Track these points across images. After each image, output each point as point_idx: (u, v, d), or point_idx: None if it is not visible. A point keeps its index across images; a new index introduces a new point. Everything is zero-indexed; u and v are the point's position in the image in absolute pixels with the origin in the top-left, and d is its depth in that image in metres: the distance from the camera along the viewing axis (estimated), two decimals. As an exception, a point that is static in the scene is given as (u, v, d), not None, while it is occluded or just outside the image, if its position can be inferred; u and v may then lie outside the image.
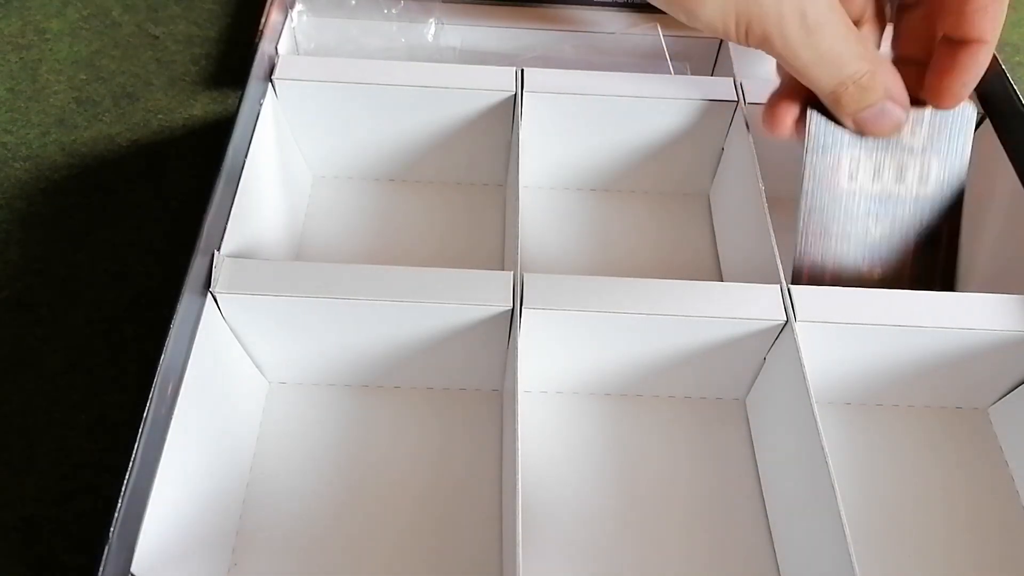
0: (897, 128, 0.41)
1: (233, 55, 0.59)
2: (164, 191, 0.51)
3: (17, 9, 0.61)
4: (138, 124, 0.55)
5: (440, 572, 0.39)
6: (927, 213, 0.44)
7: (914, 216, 0.44)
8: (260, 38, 0.46)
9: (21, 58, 0.58)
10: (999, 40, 0.57)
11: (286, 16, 0.51)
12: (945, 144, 0.43)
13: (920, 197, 0.44)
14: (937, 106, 0.41)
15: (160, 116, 0.56)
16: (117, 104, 0.56)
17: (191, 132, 0.55)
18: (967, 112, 0.43)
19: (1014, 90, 0.46)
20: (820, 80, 0.39)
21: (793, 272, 0.43)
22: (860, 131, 0.41)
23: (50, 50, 0.59)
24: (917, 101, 0.42)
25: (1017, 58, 0.62)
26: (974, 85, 0.40)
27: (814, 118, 0.42)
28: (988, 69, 0.48)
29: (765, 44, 0.37)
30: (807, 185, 0.43)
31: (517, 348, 0.38)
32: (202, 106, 0.56)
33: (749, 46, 0.37)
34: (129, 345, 0.45)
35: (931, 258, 0.45)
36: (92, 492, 0.40)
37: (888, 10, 0.42)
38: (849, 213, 0.44)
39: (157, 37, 0.60)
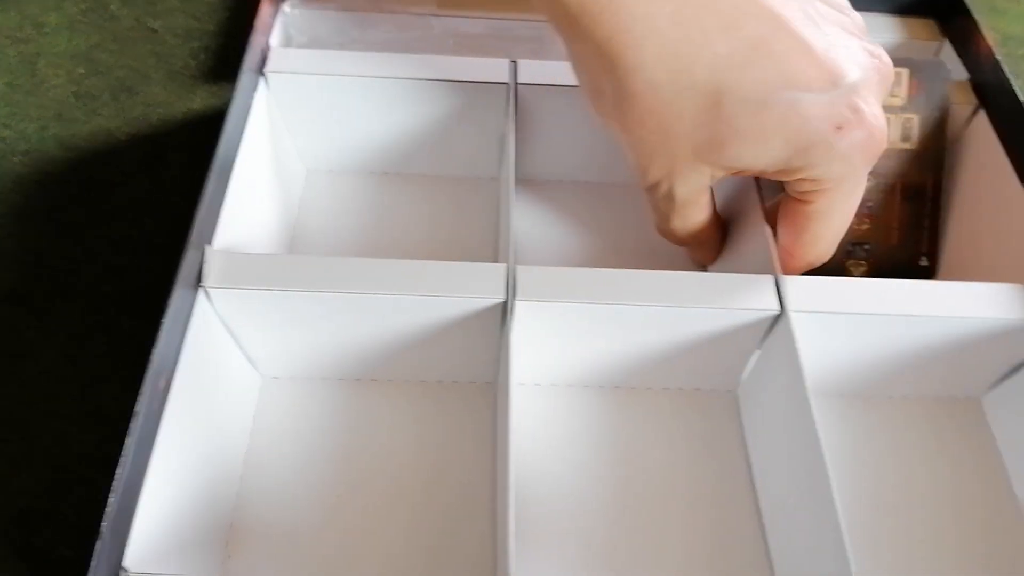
0: None
1: (232, 49, 0.59)
2: (163, 185, 0.51)
3: (15, 3, 0.61)
4: (137, 118, 0.55)
5: (434, 565, 0.39)
6: (911, 167, 0.46)
7: (899, 170, 0.46)
8: (252, 31, 0.46)
9: (19, 52, 0.58)
10: (1003, 33, 0.59)
11: (278, 9, 0.51)
12: (924, 100, 0.46)
13: (903, 152, 0.46)
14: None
15: (159, 110, 0.55)
16: (116, 98, 0.56)
17: (190, 126, 0.55)
18: (941, 69, 0.46)
19: (1008, 80, 0.46)
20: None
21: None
22: None
23: (48, 44, 0.59)
24: (896, 62, 0.44)
25: (1021, 51, 0.62)
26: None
27: None
28: (983, 60, 0.48)
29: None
30: None
31: (510, 340, 0.38)
32: (201, 100, 0.56)
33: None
34: (126, 339, 0.45)
35: (919, 210, 0.47)
36: (89, 484, 0.40)
37: None
38: None
39: (155, 31, 0.60)
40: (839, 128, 0.36)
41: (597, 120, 0.40)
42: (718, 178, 0.40)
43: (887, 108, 0.45)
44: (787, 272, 0.41)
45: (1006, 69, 0.46)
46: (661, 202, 0.41)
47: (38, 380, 0.43)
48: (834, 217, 0.40)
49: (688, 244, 0.44)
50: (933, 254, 0.47)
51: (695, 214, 0.42)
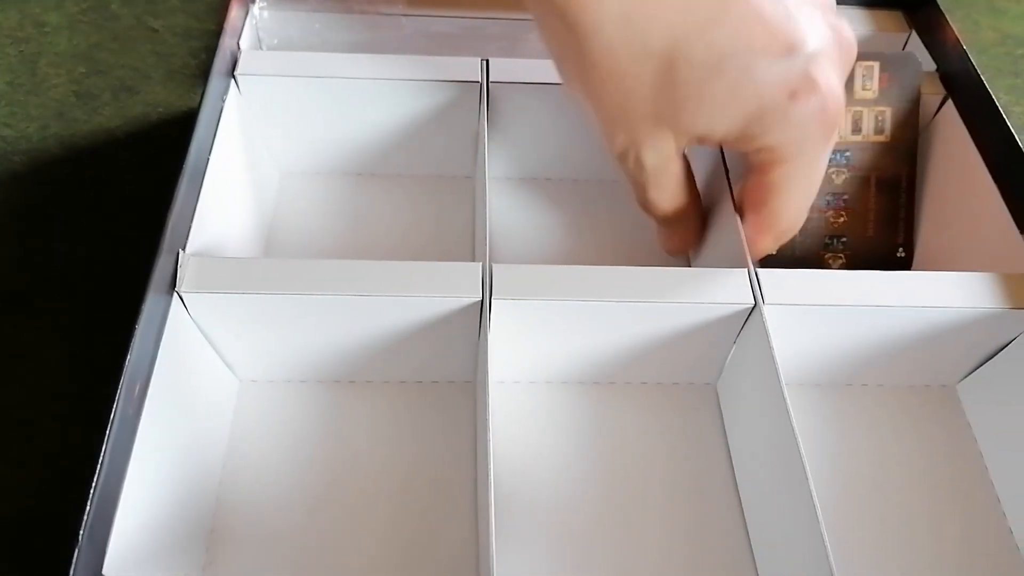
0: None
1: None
2: (164, 185, 0.51)
3: (15, 2, 0.61)
4: (137, 118, 0.55)
5: (417, 565, 0.39)
6: (885, 159, 0.47)
7: (874, 163, 0.47)
8: (222, 34, 0.46)
9: (20, 51, 0.58)
10: (1003, 33, 0.60)
11: (247, 11, 0.51)
12: (895, 93, 0.46)
13: (877, 145, 0.46)
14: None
15: (160, 109, 0.55)
16: (116, 98, 0.56)
17: (191, 125, 0.55)
18: (912, 61, 0.46)
19: (975, 70, 0.46)
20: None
21: None
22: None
23: (49, 43, 0.59)
24: (867, 55, 0.45)
25: (1021, 51, 0.63)
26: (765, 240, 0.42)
27: None
28: (950, 50, 0.49)
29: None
30: None
31: (488, 339, 0.38)
32: (201, 99, 0.56)
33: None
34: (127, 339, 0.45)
35: (894, 201, 0.47)
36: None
37: None
38: None
39: (156, 30, 0.60)
40: (793, 95, 0.36)
41: (565, 89, 0.41)
42: (682, 145, 0.40)
43: (860, 102, 0.46)
44: (755, 250, 0.41)
45: (973, 59, 0.47)
46: (632, 172, 0.41)
47: (41, 380, 0.43)
48: (794, 190, 0.40)
49: (668, 220, 0.44)
50: (909, 245, 0.48)
51: (668, 184, 0.41)
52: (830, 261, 0.47)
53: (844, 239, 0.47)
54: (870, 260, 0.47)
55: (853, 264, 0.47)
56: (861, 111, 0.46)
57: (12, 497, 0.40)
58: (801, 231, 0.46)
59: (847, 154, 0.46)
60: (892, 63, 0.46)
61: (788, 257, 0.47)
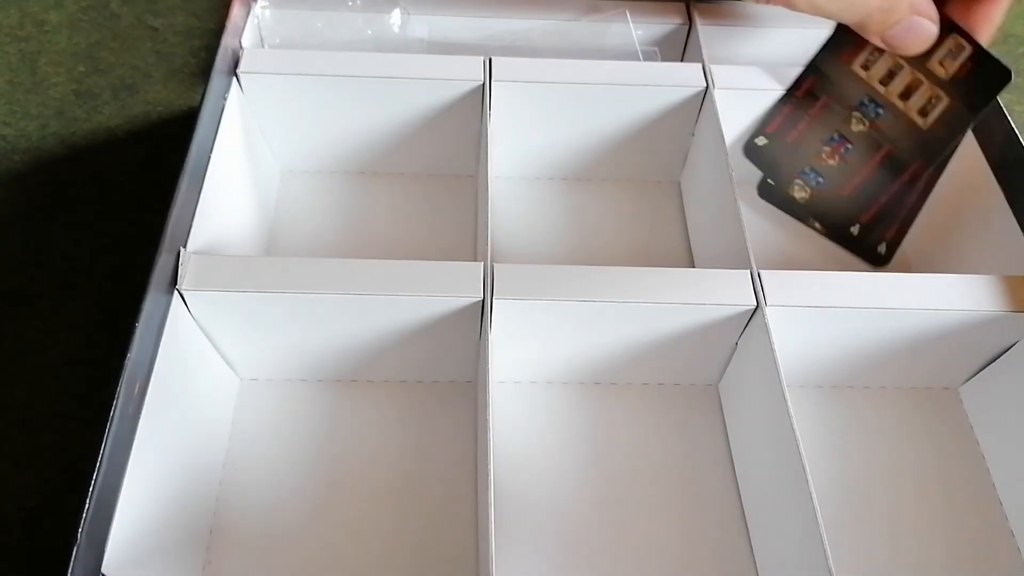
0: (928, 41, 0.41)
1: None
2: (164, 183, 0.51)
3: (16, 1, 0.61)
4: (138, 116, 0.55)
5: (417, 565, 0.39)
6: (908, 142, 0.44)
7: (896, 138, 0.44)
8: (223, 32, 0.46)
9: (20, 50, 0.58)
10: (1003, 32, 0.57)
11: (249, 10, 0.51)
12: (965, 89, 0.42)
13: (912, 126, 0.43)
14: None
15: (160, 108, 0.56)
16: (116, 96, 0.56)
17: (191, 124, 0.55)
18: (1002, 73, 0.41)
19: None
20: (847, 17, 0.41)
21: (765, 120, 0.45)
22: (891, 49, 0.42)
23: (49, 42, 0.59)
24: (964, 35, 0.41)
25: (1021, 50, 0.62)
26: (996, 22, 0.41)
27: None
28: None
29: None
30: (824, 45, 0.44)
31: (488, 339, 0.38)
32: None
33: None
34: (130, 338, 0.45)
35: (887, 184, 0.45)
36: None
37: None
38: (844, 97, 0.44)
39: (156, 29, 0.60)
40: None
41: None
42: None
43: (927, 74, 0.42)
44: None
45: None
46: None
47: (43, 379, 0.43)
48: None
49: None
50: (895, 243, 0.47)
51: None
52: (795, 190, 0.46)
53: (820, 179, 0.46)
54: (829, 216, 0.46)
55: (813, 206, 0.46)
56: (922, 81, 0.42)
57: (12, 496, 0.40)
58: (790, 151, 0.45)
59: (879, 111, 0.43)
60: (982, 60, 0.41)
61: (767, 162, 0.46)
